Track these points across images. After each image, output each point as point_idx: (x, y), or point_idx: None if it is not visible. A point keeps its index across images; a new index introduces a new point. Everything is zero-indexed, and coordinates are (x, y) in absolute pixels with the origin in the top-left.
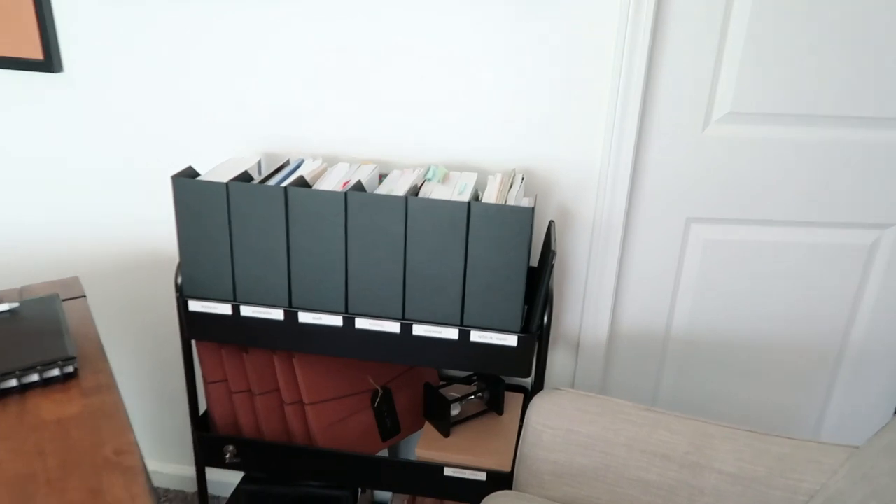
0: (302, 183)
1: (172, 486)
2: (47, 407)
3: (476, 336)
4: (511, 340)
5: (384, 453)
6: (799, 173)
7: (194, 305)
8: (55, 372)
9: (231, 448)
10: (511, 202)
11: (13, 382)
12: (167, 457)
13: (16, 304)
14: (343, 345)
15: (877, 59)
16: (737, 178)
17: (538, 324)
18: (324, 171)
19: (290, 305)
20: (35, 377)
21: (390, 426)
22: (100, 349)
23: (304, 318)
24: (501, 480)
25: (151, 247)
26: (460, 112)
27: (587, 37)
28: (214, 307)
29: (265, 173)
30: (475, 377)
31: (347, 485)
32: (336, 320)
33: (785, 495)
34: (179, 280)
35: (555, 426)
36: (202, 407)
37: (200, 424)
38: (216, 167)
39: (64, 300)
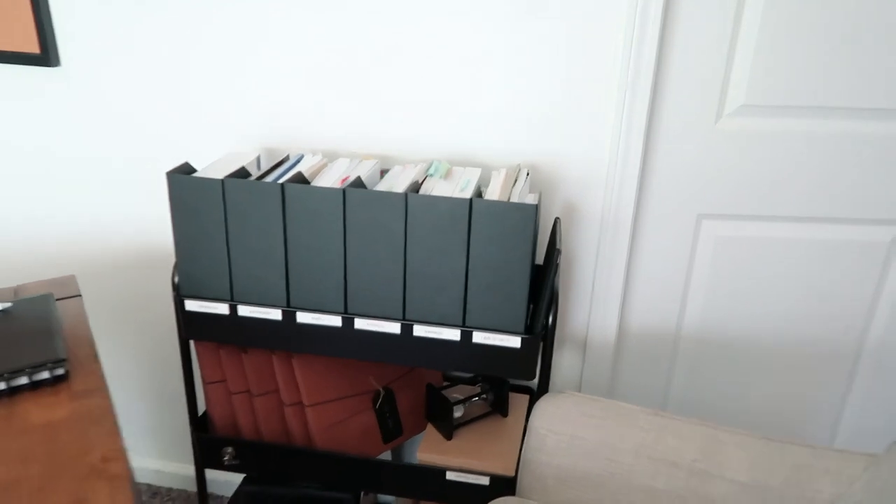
0: (300, 179)
1: (175, 485)
2: (35, 411)
3: (478, 337)
4: (514, 342)
5: (386, 455)
6: (814, 168)
7: (191, 305)
8: (45, 374)
9: (230, 450)
10: (515, 199)
11: (1, 385)
12: (169, 456)
13: (8, 304)
14: (342, 345)
15: None
16: (750, 172)
17: (543, 324)
18: (323, 166)
19: (288, 305)
20: (24, 380)
21: (392, 428)
22: (92, 351)
23: (303, 318)
24: (505, 485)
25: (150, 244)
26: (464, 106)
27: (595, 27)
28: (211, 307)
29: (264, 169)
30: (479, 378)
31: (347, 488)
32: (335, 320)
33: None
34: (176, 279)
35: (559, 431)
36: (202, 407)
37: (200, 425)
38: (213, 163)
39: (59, 299)
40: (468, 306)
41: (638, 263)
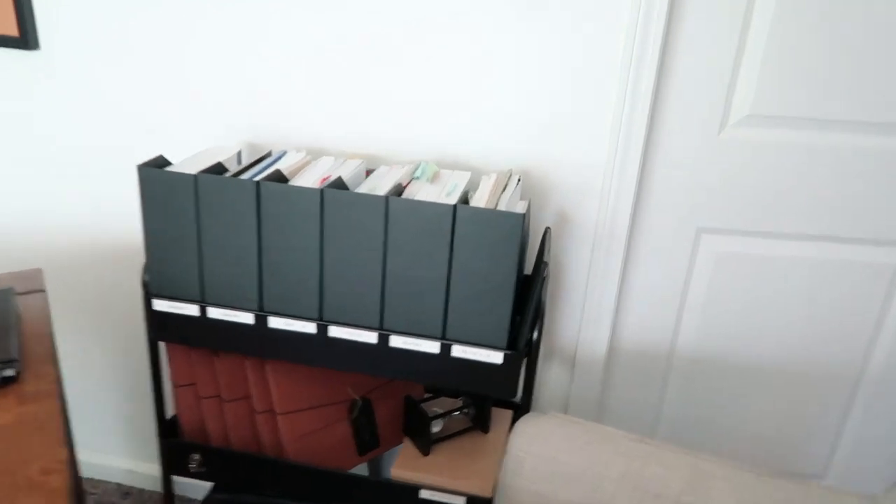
0: (277, 177)
1: (147, 486)
2: None
3: (458, 351)
4: (496, 357)
5: (363, 468)
6: (822, 183)
7: (159, 305)
8: None
9: (197, 457)
10: (503, 205)
11: None
12: (142, 456)
13: None
14: (315, 353)
15: None
16: (754, 186)
17: (527, 340)
18: (306, 164)
19: (261, 309)
20: None
21: (369, 440)
22: (50, 350)
23: (275, 323)
24: None
25: (126, 238)
26: (456, 107)
27: (595, 29)
28: (181, 307)
29: (244, 164)
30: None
31: (316, 501)
32: (309, 327)
33: None
34: (146, 277)
35: (538, 454)
36: (172, 410)
37: (168, 429)
38: (191, 157)
39: (22, 294)
40: (449, 318)
41: (632, 277)
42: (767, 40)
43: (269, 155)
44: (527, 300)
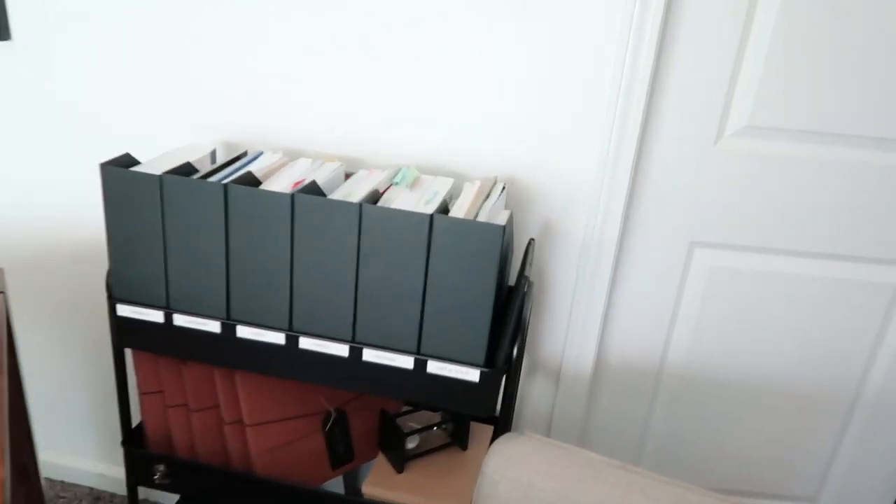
0: (248, 180)
1: (119, 490)
2: None
3: (433, 367)
4: (472, 375)
5: (338, 482)
6: (821, 199)
7: (123, 310)
8: None
9: (161, 467)
10: (485, 214)
11: None
12: (113, 459)
13: None
14: (285, 365)
15: None
16: (750, 200)
17: (505, 357)
18: (282, 166)
19: (229, 317)
20: None
21: (343, 453)
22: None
23: (243, 332)
24: None
25: (96, 238)
26: (442, 111)
27: (587, 34)
28: (145, 313)
29: (218, 164)
30: None
31: None
32: (278, 337)
33: None
34: (110, 281)
35: (514, 478)
36: (139, 417)
37: (133, 438)
38: (161, 156)
39: None
40: (424, 332)
41: (621, 291)
42: (769, 48)
43: (244, 155)
44: (508, 315)
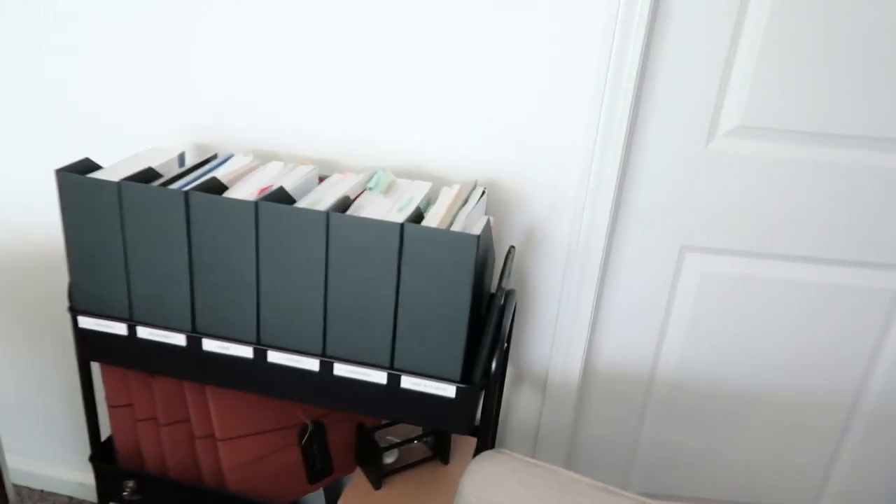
0: (210, 186)
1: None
2: None
3: (407, 382)
4: (448, 391)
5: (319, 494)
6: (817, 202)
7: (86, 322)
8: None
9: (131, 483)
10: (461, 221)
11: None
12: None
13: None
14: (254, 379)
15: None
16: (743, 203)
17: (483, 371)
18: (252, 170)
19: (194, 330)
20: None
21: (321, 466)
22: None
23: (209, 345)
24: None
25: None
26: (420, 112)
27: (570, 30)
28: (108, 325)
29: (185, 168)
30: None
31: None
32: (246, 351)
33: None
34: (71, 291)
35: (490, 500)
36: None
37: (103, 451)
38: (124, 160)
39: None
40: (397, 346)
41: (609, 298)
42: (762, 44)
43: (213, 158)
44: (486, 327)
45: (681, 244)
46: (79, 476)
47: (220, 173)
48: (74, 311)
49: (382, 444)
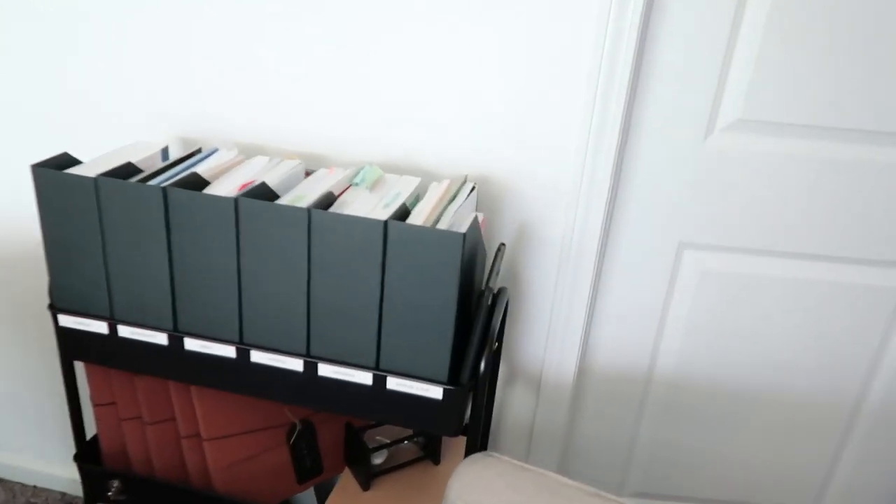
0: (191, 181)
1: None
2: None
3: (393, 383)
4: (435, 392)
5: (310, 493)
6: (819, 197)
7: (66, 320)
8: None
9: (116, 483)
10: (449, 217)
11: None
12: None
13: None
14: (237, 379)
15: None
16: (743, 198)
17: (471, 372)
18: (236, 164)
19: (175, 329)
20: None
21: (310, 466)
22: None
23: (191, 345)
24: None
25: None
26: (410, 105)
27: (562, 21)
28: (88, 324)
29: (168, 162)
30: None
31: None
32: (228, 350)
33: None
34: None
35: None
36: (93, 430)
37: (89, 450)
38: (104, 155)
39: None
40: (382, 346)
41: (605, 296)
42: (763, 34)
43: (197, 152)
44: (473, 327)
45: (679, 241)
46: (71, 472)
47: (203, 168)
48: (55, 309)
49: (372, 444)
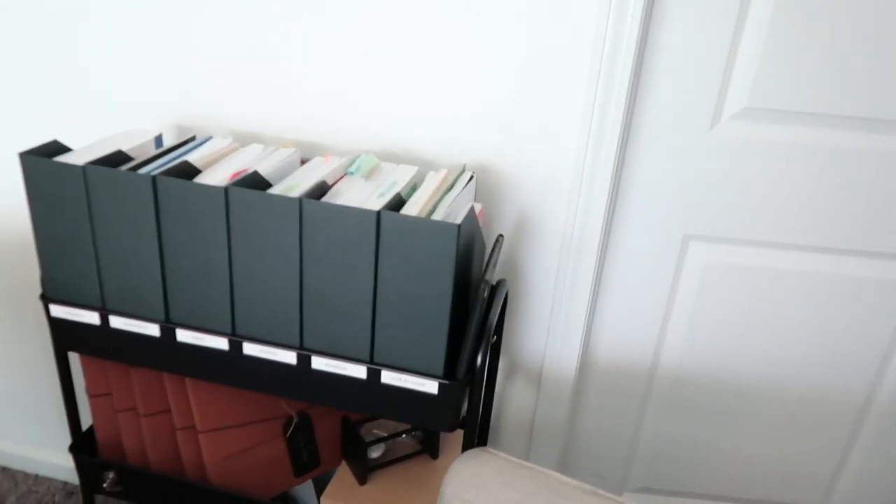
0: (182, 169)
1: None
2: None
3: (388, 377)
4: (431, 387)
5: (309, 486)
6: (829, 188)
7: (57, 311)
8: None
9: (111, 475)
10: (444, 208)
11: None
12: None
13: None
14: (229, 372)
15: None
16: (750, 189)
17: (467, 366)
18: (230, 152)
19: (167, 320)
20: None
21: (307, 459)
22: None
23: (183, 336)
24: None
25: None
26: (408, 91)
27: (563, 2)
28: (80, 314)
29: (161, 150)
30: None
31: None
32: (220, 342)
33: None
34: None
35: (472, 501)
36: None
37: (85, 441)
38: (96, 142)
39: None
40: (377, 340)
41: (608, 289)
42: (770, 20)
43: (191, 140)
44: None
45: (684, 233)
46: (72, 462)
47: (195, 156)
48: (46, 299)
49: (369, 438)
